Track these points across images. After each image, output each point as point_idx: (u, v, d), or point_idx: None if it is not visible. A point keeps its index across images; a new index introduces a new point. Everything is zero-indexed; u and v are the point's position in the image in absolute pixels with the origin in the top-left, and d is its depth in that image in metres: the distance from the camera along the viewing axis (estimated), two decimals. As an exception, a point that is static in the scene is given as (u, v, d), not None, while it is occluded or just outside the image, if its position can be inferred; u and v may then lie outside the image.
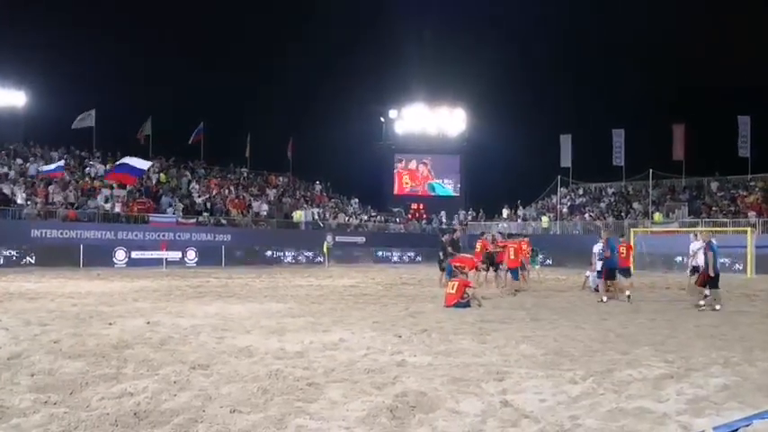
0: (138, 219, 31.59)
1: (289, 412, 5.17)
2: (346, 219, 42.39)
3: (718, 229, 33.21)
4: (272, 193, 42.09)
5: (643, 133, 45.33)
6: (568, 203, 44.87)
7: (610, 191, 45.39)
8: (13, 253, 26.33)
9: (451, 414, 5.24)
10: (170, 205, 33.51)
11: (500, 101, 51.29)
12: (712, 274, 13.49)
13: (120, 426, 4.84)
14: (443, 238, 21.43)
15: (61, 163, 30.96)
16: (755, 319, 12.05)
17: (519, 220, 43.22)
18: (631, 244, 18.05)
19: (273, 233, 36.15)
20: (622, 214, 40.21)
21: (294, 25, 60.36)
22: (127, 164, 29.11)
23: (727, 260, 29.28)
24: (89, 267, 26.40)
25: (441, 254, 19.80)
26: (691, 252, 16.68)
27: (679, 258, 24.93)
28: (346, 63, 56.94)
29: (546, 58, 56.98)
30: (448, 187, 54.61)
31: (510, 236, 22.29)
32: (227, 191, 39.18)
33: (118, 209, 31.34)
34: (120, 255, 28.78)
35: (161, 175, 37.24)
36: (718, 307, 13.45)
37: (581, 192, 46.55)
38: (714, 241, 14.49)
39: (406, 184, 53.93)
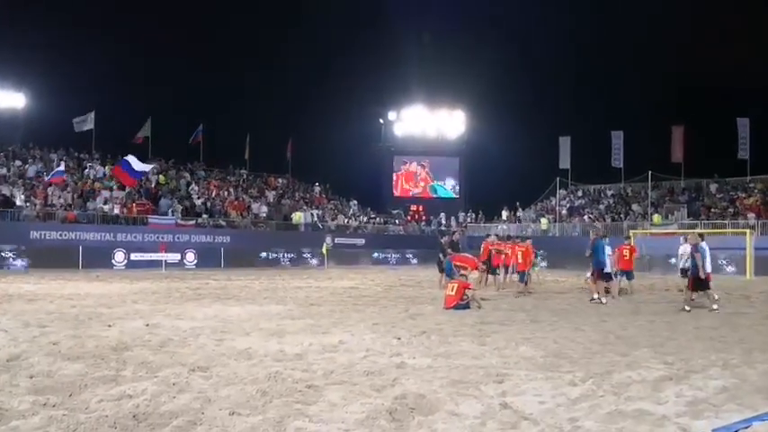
0: (138, 220, 31.57)
1: (288, 414, 5.17)
2: (345, 220, 42.39)
3: (717, 230, 33.25)
4: (271, 194, 42.09)
5: (642, 135, 45.40)
6: (567, 205, 44.89)
7: (609, 192, 45.43)
8: (10, 254, 26.32)
9: (451, 416, 5.23)
10: (169, 207, 33.48)
11: (499, 102, 51.39)
12: (702, 276, 13.56)
13: (118, 428, 4.84)
14: (442, 240, 21.44)
15: (61, 167, 30.93)
16: (755, 320, 12.05)
17: (518, 222, 43.22)
18: (635, 246, 17.99)
19: (273, 235, 36.13)
20: (621, 216, 40.24)
21: (293, 26, 60.46)
22: (129, 162, 29.11)
23: (722, 261, 29.35)
24: (88, 269, 26.38)
25: (440, 255, 19.79)
26: (679, 254, 16.72)
27: (673, 260, 24.93)
28: (345, 64, 56.96)
29: (545, 59, 57.04)
30: (448, 189, 54.63)
31: (509, 238, 22.28)
32: (226, 192, 39.17)
33: (117, 210, 31.32)
34: (120, 256, 28.76)
35: (160, 176, 37.24)
36: (715, 307, 13.49)
37: (580, 193, 46.58)
38: (704, 244, 14.54)
39: (406, 185, 53.94)
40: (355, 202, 47.23)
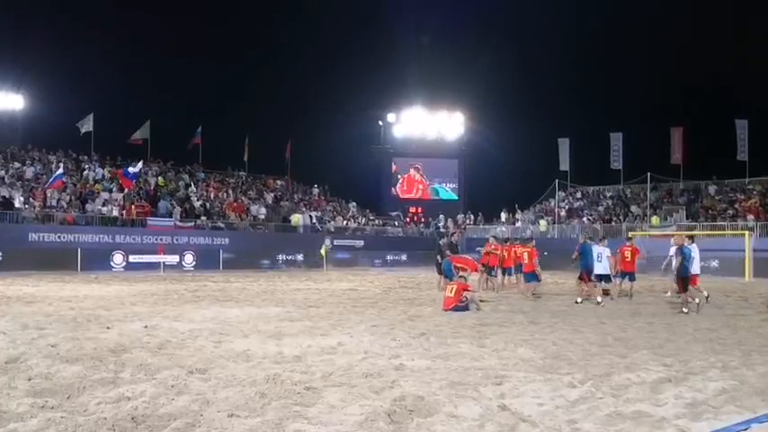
0: (136, 222, 31.55)
1: (286, 416, 5.16)
2: (344, 222, 42.38)
3: (716, 232, 33.28)
4: (269, 196, 42.09)
5: (641, 137, 45.44)
6: (566, 207, 44.90)
7: (608, 194, 45.45)
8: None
9: (449, 418, 5.23)
10: (167, 209, 33.46)
11: (498, 104, 51.48)
12: (682, 277, 13.74)
13: (117, 430, 4.83)
14: (441, 242, 21.43)
15: (60, 171, 30.92)
16: (754, 322, 12.05)
17: (518, 224, 43.22)
18: (638, 248, 17.95)
19: (271, 237, 36.13)
20: (620, 217, 40.26)
21: (293, 28, 60.42)
22: (127, 169, 29.44)
23: (715, 263, 29.35)
24: (87, 271, 26.36)
25: (438, 257, 19.78)
26: (669, 256, 16.79)
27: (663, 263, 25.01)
28: (344, 66, 57.09)
29: (544, 61, 57.16)
30: (448, 191, 54.60)
31: (506, 240, 22.29)
32: (225, 194, 39.16)
33: (116, 212, 31.30)
34: (118, 258, 28.74)
35: (159, 178, 37.23)
36: (685, 310, 13.57)
37: (579, 195, 46.58)
38: (688, 246, 14.62)
39: (405, 187, 53.91)
40: (354, 203, 47.22)
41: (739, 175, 40.00)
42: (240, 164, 44.52)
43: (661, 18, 52.86)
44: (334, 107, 52.53)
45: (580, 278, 16.23)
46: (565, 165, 45.68)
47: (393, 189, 53.59)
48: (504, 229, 40.75)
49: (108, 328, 10.10)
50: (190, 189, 37.61)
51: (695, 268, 15.65)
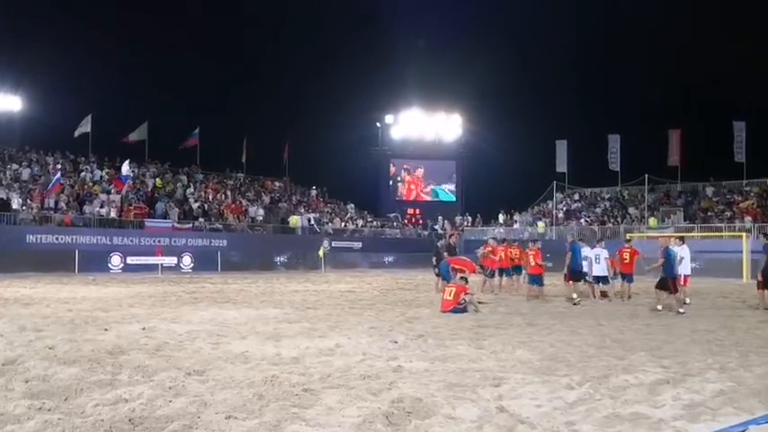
0: (134, 224, 31.50)
1: (284, 418, 5.15)
2: (342, 224, 42.37)
3: (714, 234, 33.33)
4: (267, 198, 42.07)
5: (639, 138, 45.58)
6: (564, 208, 44.95)
7: (605, 196, 45.50)
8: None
9: (447, 420, 5.22)
10: (164, 210, 33.43)
11: (496, 106, 51.50)
12: (669, 278, 13.89)
13: (114, 432, 4.82)
14: (439, 244, 21.43)
15: (58, 176, 30.89)
16: (751, 324, 12.06)
17: (516, 225, 43.25)
18: (637, 249, 17.97)
19: (269, 238, 36.11)
20: (618, 219, 40.29)
21: (291, 30, 60.45)
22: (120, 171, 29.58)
23: (695, 264, 29.41)
24: (84, 273, 26.32)
25: (434, 259, 19.78)
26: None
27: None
28: (342, 68, 57.06)
29: (542, 63, 57.24)
30: (447, 192, 54.61)
31: (503, 241, 22.31)
32: (223, 196, 39.15)
33: (113, 214, 31.26)
34: (116, 260, 28.71)
35: (157, 180, 37.20)
36: (659, 307, 13.83)
37: (577, 197, 46.63)
38: (673, 248, 14.74)
39: (403, 189, 53.90)
40: (352, 205, 47.23)
41: (737, 177, 40.08)
42: (238, 165, 44.55)
43: (659, 20, 53.07)
44: (333, 109, 52.59)
45: (565, 277, 16.46)
46: (562, 166, 45.75)
47: (391, 191, 53.59)
48: (501, 230, 40.78)
49: (105, 329, 10.08)
50: (188, 191, 37.58)
51: (685, 269, 15.82)
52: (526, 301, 16.39)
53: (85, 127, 37.41)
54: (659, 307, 13.92)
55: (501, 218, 45.01)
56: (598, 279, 16.97)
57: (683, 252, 15.80)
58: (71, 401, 5.64)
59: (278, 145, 46.86)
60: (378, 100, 53.68)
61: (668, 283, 13.95)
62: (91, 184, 33.76)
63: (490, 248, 19.97)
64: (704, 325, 11.73)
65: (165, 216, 33.14)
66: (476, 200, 50.82)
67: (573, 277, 16.31)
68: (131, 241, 30.33)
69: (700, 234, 34.06)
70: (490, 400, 5.85)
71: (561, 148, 45.94)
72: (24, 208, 29.21)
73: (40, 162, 34.84)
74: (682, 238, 16.64)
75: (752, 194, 37.79)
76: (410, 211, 51.47)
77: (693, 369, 7.38)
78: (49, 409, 5.34)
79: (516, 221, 44.27)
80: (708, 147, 42.80)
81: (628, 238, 22.41)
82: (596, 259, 16.89)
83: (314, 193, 46.37)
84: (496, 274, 19.95)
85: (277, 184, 45.74)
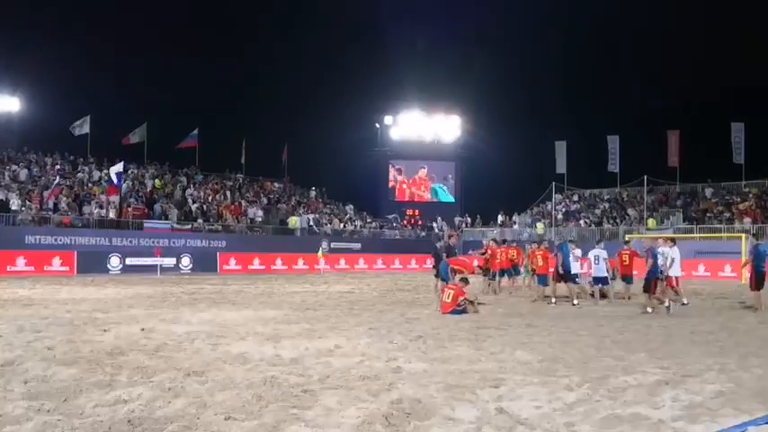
0: (133, 225, 31.47)
1: (284, 419, 5.15)
2: (341, 225, 42.36)
3: (713, 235, 33.34)
4: (267, 198, 42.05)
5: (638, 140, 45.54)
6: (563, 210, 44.96)
7: (605, 197, 45.51)
8: None
9: (447, 421, 5.23)
10: (162, 212, 33.40)
11: (495, 107, 51.46)
12: (649, 279, 14.07)
13: (113, 433, 4.82)
14: (438, 245, 21.41)
15: (57, 180, 30.87)
16: (751, 325, 12.07)
17: (515, 226, 43.26)
18: (636, 251, 17.98)
19: (269, 239, 36.08)
20: (617, 220, 40.31)
21: (290, 31, 60.48)
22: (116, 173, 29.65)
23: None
24: (83, 274, 26.30)
25: (433, 260, 19.77)
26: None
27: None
28: (342, 69, 57.07)
29: (541, 64, 57.24)
30: (446, 193, 54.58)
31: (504, 241, 22.31)
32: (222, 197, 39.12)
33: (112, 215, 31.23)
34: (115, 261, 28.67)
35: (156, 181, 37.18)
36: (649, 310, 13.81)
37: (576, 198, 46.63)
38: (659, 248, 14.84)
39: (402, 190, 53.87)
40: (351, 206, 47.21)
41: (735, 178, 40.10)
42: (237, 166, 44.54)
43: (658, 21, 53.10)
44: (332, 109, 52.55)
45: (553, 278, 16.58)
46: (562, 168, 45.76)
47: (390, 192, 53.56)
48: (497, 231, 40.78)
49: (104, 330, 10.07)
50: (187, 192, 37.56)
51: (675, 271, 15.92)
52: (532, 302, 16.38)
53: (84, 128, 37.37)
54: (649, 309, 13.90)
55: (500, 219, 45.00)
56: (598, 280, 16.96)
57: (673, 253, 15.90)
58: (70, 402, 5.63)
59: (277, 146, 46.87)
60: (377, 101, 53.69)
61: (651, 284, 14.02)
62: (90, 185, 33.72)
63: (489, 251, 19.95)
64: (704, 326, 11.73)
65: (162, 217, 33.10)
66: (475, 201, 50.83)
67: (561, 278, 16.37)
68: (130, 242, 30.28)
69: (699, 235, 34.08)
70: (489, 401, 5.86)
71: (560, 149, 45.96)
72: (23, 209, 29.18)
73: (39, 163, 34.81)
74: (673, 240, 16.70)
75: (750, 196, 37.79)
76: (409, 211, 51.41)
77: (693, 370, 7.38)
78: (48, 410, 5.34)
79: (515, 222, 44.28)
80: (706, 148, 42.82)
81: (627, 239, 22.41)
82: (596, 260, 16.87)
83: (313, 193, 46.34)
84: (497, 275, 19.94)
85: (276, 185, 45.72)
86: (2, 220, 27.88)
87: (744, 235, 30.41)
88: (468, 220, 47.09)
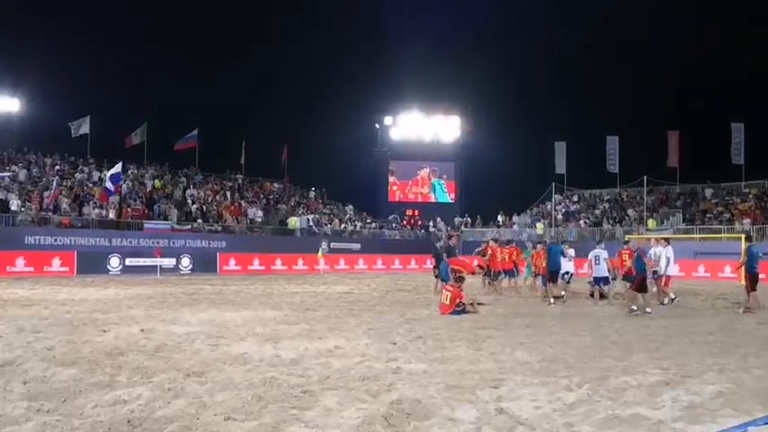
0: (133, 225, 31.46)
1: (283, 420, 5.15)
2: (341, 225, 42.36)
3: (713, 235, 33.34)
4: (266, 199, 42.05)
5: (637, 140, 45.59)
6: (563, 210, 44.96)
7: (604, 197, 45.52)
8: None
9: (447, 421, 5.23)
10: (162, 212, 33.39)
11: (495, 108, 51.47)
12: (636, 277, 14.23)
13: (113, 434, 4.82)
14: (438, 245, 21.42)
15: (55, 184, 30.85)
16: (750, 325, 12.07)
17: (514, 227, 43.26)
18: (634, 251, 17.99)
19: (268, 240, 36.06)
20: (617, 221, 40.31)
21: (290, 33, 60.47)
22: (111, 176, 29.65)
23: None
24: (83, 274, 26.29)
25: (433, 261, 19.77)
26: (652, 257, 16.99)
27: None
28: (341, 70, 57.14)
29: (541, 65, 57.28)
30: (447, 194, 54.56)
31: (509, 242, 22.33)
32: (221, 197, 39.12)
33: (112, 215, 31.22)
34: (115, 262, 28.66)
35: (156, 181, 37.17)
36: (634, 307, 13.82)
37: (576, 198, 46.63)
38: (652, 248, 14.93)
39: (402, 190, 53.85)
40: (351, 206, 47.21)
41: (735, 179, 40.10)
42: (237, 167, 44.54)
43: (658, 21, 53.09)
44: (331, 110, 52.59)
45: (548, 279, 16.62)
46: (561, 168, 45.77)
47: (390, 192, 53.56)
48: (501, 231, 40.78)
49: (104, 331, 10.07)
50: (187, 192, 37.55)
51: (670, 270, 16.14)
52: (543, 301, 16.38)
53: (84, 128, 37.38)
54: (634, 307, 13.90)
55: (500, 219, 45.01)
56: (598, 280, 16.97)
57: (667, 252, 16.02)
58: (70, 403, 5.63)
59: (277, 147, 46.87)
60: (376, 101, 53.70)
61: (639, 282, 14.09)
62: (89, 185, 33.71)
63: (490, 251, 19.96)
64: (703, 326, 11.74)
65: (162, 218, 33.09)
66: (475, 201, 50.88)
67: (551, 278, 16.44)
68: (130, 243, 30.26)
69: (698, 236, 34.09)
70: (489, 401, 5.86)
71: (560, 149, 45.97)
72: (23, 209, 29.17)
73: (39, 163, 34.81)
74: (666, 240, 16.77)
75: (750, 196, 37.79)
76: (409, 212, 51.40)
77: (693, 370, 7.38)
78: (48, 411, 5.34)
79: (515, 223, 44.28)
80: (706, 148, 42.84)
81: (626, 239, 22.43)
82: (596, 260, 16.89)
83: (313, 194, 46.34)
84: (499, 275, 19.94)
85: (276, 185, 45.72)
86: (1, 221, 27.85)
87: (743, 236, 30.44)
88: (469, 220, 47.09)
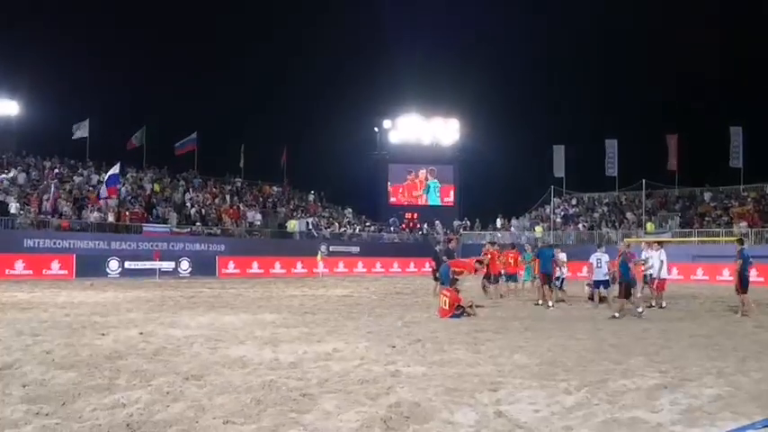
0: (132, 228, 31.45)
1: (282, 423, 5.16)
2: (340, 228, 42.36)
3: (711, 239, 33.37)
4: (265, 202, 42.03)
5: (636, 144, 45.63)
6: (562, 213, 44.98)
7: (603, 201, 45.54)
8: None
9: (445, 425, 5.23)
10: (161, 215, 33.37)
11: (494, 111, 51.59)
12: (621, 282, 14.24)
13: (112, 437, 4.82)
14: (438, 248, 21.42)
15: (53, 189, 30.87)
16: (748, 329, 12.08)
17: (512, 230, 43.28)
18: (633, 254, 18.01)
19: (267, 243, 36.05)
20: (616, 224, 40.33)
21: (289, 37, 60.57)
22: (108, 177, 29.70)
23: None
24: (82, 277, 26.28)
25: (433, 264, 19.76)
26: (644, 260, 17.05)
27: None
28: (341, 73, 57.21)
29: (540, 68, 57.38)
30: (446, 197, 54.58)
31: (513, 246, 22.36)
32: (220, 200, 39.10)
33: (111, 218, 31.20)
34: (114, 265, 28.63)
35: (155, 184, 37.16)
36: (617, 315, 13.69)
37: (574, 202, 46.66)
38: (644, 252, 14.92)
39: (401, 193, 53.89)
40: (350, 209, 47.21)
41: (733, 182, 40.14)
42: (236, 170, 44.55)
43: (657, 24, 53.23)
44: (330, 113, 52.72)
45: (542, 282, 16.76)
46: (560, 171, 45.78)
47: (389, 195, 53.58)
48: (499, 234, 40.79)
49: (103, 334, 10.06)
50: (186, 195, 37.54)
51: (663, 273, 16.26)
52: (547, 307, 16.39)
53: (83, 131, 37.37)
54: (616, 314, 13.82)
55: (499, 222, 45.01)
56: (598, 283, 16.96)
57: (661, 256, 16.06)
58: (69, 406, 5.63)
59: (276, 150, 46.89)
60: (375, 105, 53.82)
61: (623, 288, 14.08)
62: (89, 188, 33.69)
63: (489, 255, 19.94)
64: (702, 330, 11.75)
65: (161, 221, 33.08)
66: (474, 204, 50.89)
67: (544, 281, 16.58)
68: (129, 246, 30.23)
69: (697, 239, 34.12)
70: (488, 404, 5.86)
71: (559, 153, 45.98)
72: (22, 212, 29.15)
73: (38, 167, 34.79)
74: (660, 243, 16.81)
75: (749, 200, 37.82)
76: (408, 215, 51.40)
77: (691, 374, 7.39)
78: (47, 414, 5.33)
79: (512, 226, 44.28)
80: (705, 152, 42.88)
81: (626, 243, 22.44)
82: (597, 263, 16.88)
83: (312, 197, 46.34)
84: (499, 278, 19.92)
85: (275, 188, 45.71)
86: (0, 224, 27.84)
87: (735, 239, 30.46)
88: (468, 223, 47.09)
